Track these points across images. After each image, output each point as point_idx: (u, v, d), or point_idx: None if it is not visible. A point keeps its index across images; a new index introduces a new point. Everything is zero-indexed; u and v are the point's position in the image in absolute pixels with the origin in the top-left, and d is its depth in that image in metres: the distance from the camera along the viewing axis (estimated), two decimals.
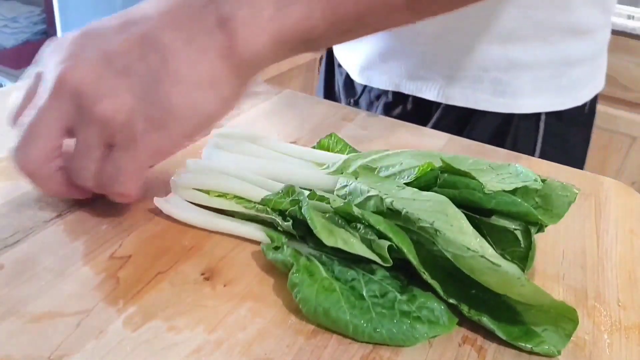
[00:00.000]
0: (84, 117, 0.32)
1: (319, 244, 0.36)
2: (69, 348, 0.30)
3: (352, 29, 0.34)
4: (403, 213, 0.34)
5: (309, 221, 0.35)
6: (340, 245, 0.34)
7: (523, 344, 0.33)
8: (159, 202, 0.41)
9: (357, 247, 0.35)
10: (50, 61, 0.33)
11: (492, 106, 0.65)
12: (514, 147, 0.63)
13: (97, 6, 1.72)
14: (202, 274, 0.37)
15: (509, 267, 0.31)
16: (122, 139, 0.32)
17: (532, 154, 0.66)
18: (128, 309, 0.33)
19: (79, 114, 0.32)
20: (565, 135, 0.68)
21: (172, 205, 0.41)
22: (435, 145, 0.57)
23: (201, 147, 0.46)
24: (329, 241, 0.34)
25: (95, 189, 0.37)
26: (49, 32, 2.43)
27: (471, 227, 0.33)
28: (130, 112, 0.31)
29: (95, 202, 0.42)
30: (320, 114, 0.61)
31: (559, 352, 0.33)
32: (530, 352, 0.33)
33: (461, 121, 0.67)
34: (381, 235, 0.35)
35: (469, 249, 0.32)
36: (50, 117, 0.33)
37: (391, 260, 0.34)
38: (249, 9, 0.30)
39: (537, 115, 0.66)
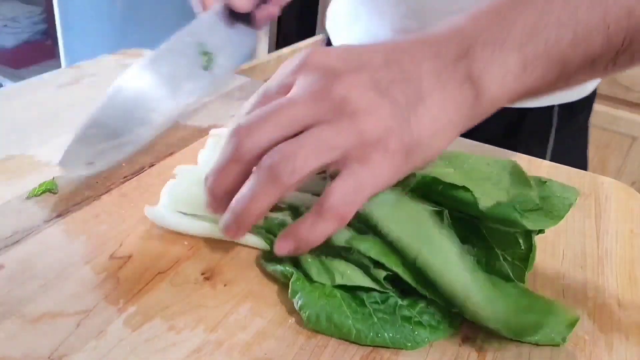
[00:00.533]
0: (342, 123, 0.32)
1: (317, 252, 0.36)
2: (69, 348, 0.30)
3: (576, 82, 0.38)
4: (385, 233, 0.35)
5: (304, 265, 0.36)
6: (339, 281, 0.35)
7: (529, 338, 0.33)
8: (149, 211, 0.40)
9: (355, 279, 0.35)
10: (312, 67, 0.34)
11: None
12: (528, 142, 0.62)
13: (97, 6, 1.72)
14: (202, 274, 0.37)
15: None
16: (371, 153, 0.32)
17: (545, 147, 0.66)
18: (128, 308, 0.33)
19: (335, 119, 0.32)
20: (574, 126, 0.68)
21: (162, 215, 0.39)
22: None
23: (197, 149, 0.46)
24: (329, 281, 0.35)
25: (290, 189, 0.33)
26: (49, 32, 2.43)
27: (456, 258, 0.34)
28: (387, 131, 0.32)
29: (95, 202, 0.42)
30: None
31: (565, 340, 0.34)
32: (537, 344, 0.34)
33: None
34: (374, 261, 0.35)
35: (455, 295, 0.33)
36: (300, 108, 0.33)
37: (389, 286, 0.35)
38: (499, 68, 0.34)
39: (551, 108, 0.66)
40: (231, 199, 0.34)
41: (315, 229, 0.33)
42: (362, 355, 0.32)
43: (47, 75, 0.64)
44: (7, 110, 0.55)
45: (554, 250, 0.43)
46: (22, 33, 2.35)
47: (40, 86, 0.61)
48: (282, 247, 0.33)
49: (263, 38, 2.07)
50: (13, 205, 0.41)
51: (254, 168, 0.33)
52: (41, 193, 0.43)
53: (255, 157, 0.33)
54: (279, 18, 1.91)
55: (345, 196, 0.32)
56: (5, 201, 0.42)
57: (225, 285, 0.36)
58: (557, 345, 0.34)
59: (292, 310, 0.34)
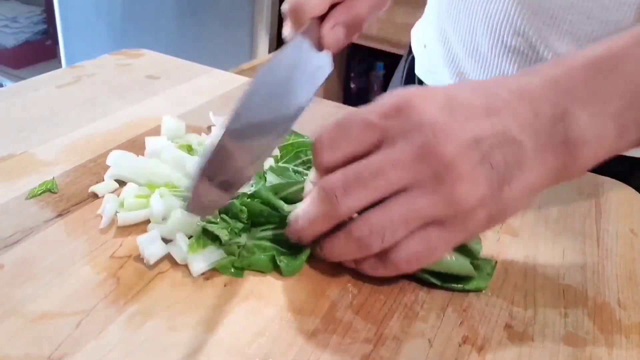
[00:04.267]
0: (439, 192, 0.32)
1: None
2: (69, 348, 0.30)
3: None
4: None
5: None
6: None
7: (455, 285, 0.37)
8: (140, 241, 0.37)
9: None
10: (412, 118, 0.32)
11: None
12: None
13: (97, 6, 1.72)
14: (203, 274, 0.37)
15: None
16: (455, 221, 0.32)
17: None
18: (128, 308, 0.33)
19: (432, 186, 0.32)
20: None
21: (153, 246, 0.37)
22: None
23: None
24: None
25: (364, 254, 0.34)
26: (49, 32, 2.43)
27: None
28: (480, 201, 0.32)
29: (95, 202, 0.42)
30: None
31: (485, 287, 0.38)
32: (462, 290, 0.37)
33: None
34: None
35: None
36: (400, 173, 0.32)
37: None
38: (596, 136, 0.32)
39: None
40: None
41: (374, 272, 0.35)
42: (362, 355, 0.32)
43: (47, 75, 0.64)
44: (7, 110, 0.55)
45: (554, 250, 0.43)
46: (22, 33, 2.35)
47: (40, 86, 0.61)
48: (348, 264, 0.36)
49: (263, 38, 2.07)
50: (13, 205, 0.41)
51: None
52: (41, 193, 0.43)
53: (349, 215, 0.34)
54: (279, 19, 1.91)
55: (410, 257, 0.33)
56: (5, 201, 0.42)
57: (225, 285, 0.36)
58: (481, 290, 0.38)
59: (292, 310, 0.34)
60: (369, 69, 2.21)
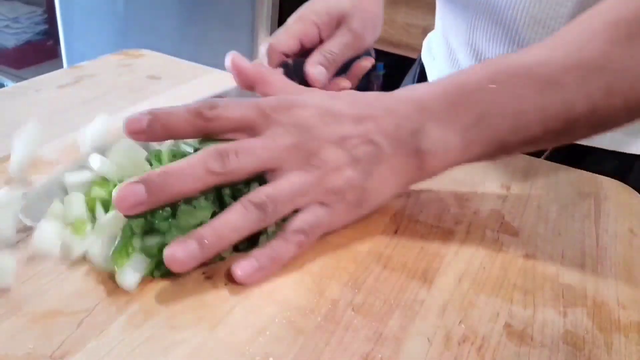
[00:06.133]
0: (310, 172, 0.38)
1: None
2: (71, 346, 0.31)
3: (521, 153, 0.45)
4: None
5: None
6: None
7: None
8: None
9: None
10: (288, 121, 0.39)
11: (618, 145, 0.62)
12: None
13: (98, 7, 1.72)
14: (203, 273, 0.37)
15: None
16: (331, 201, 0.39)
17: None
18: (129, 307, 0.34)
19: (306, 168, 0.38)
20: None
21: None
22: None
23: None
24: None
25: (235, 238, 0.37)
26: (50, 32, 2.44)
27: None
28: (348, 183, 0.39)
29: None
30: None
31: None
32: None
33: (574, 158, 0.61)
34: None
35: None
36: (271, 145, 0.38)
37: None
38: (443, 147, 0.40)
39: None
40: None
41: (281, 250, 0.37)
42: (362, 354, 0.32)
43: (48, 76, 0.64)
44: (8, 110, 0.55)
45: (554, 249, 0.43)
46: (23, 33, 2.35)
47: (41, 86, 0.61)
48: (245, 270, 0.36)
49: (264, 38, 2.07)
50: (13, 205, 0.41)
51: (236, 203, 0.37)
52: None
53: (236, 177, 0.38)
54: (279, 19, 1.91)
55: (304, 227, 0.38)
56: (5, 201, 0.42)
57: (226, 284, 0.36)
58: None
59: (292, 309, 0.35)
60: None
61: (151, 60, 0.72)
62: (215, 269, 0.37)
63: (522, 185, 0.51)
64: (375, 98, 0.42)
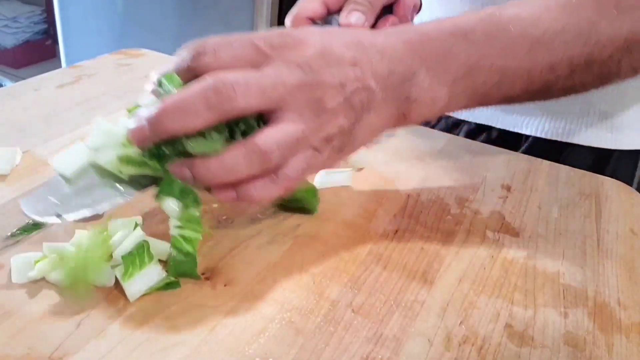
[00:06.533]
0: (309, 116, 0.37)
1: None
2: (70, 347, 0.30)
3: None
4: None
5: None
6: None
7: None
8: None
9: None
10: (290, 61, 0.38)
11: (595, 141, 0.63)
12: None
13: (97, 6, 1.72)
14: (203, 274, 0.37)
15: None
16: (321, 148, 0.38)
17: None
18: (128, 308, 0.33)
19: (305, 111, 0.37)
20: None
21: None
22: (434, 145, 0.57)
23: None
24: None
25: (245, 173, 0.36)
26: (49, 32, 2.43)
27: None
28: (339, 131, 0.39)
29: None
30: None
31: (316, 210, 0.44)
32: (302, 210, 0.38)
33: (552, 153, 0.63)
34: None
35: None
36: (277, 82, 0.37)
37: None
38: (431, 97, 0.40)
39: (637, 152, 0.64)
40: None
41: (262, 192, 0.37)
42: (362, 355, 0.32)
43: (47, 75, 0.64)
44: (7, 109, 0.55)
45: (554, 250, 0.43)
46: (22, 33, 2.35)
47: (40, 86, 0.61)
48: (225, 196, 0.36)
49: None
50: (13, 205, 0.41)
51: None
52: None
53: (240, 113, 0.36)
54: (280, 11, 1.91)
55: (298, 172, 0.38)
56: (5, 201, 0.42)
57: (225, 285, 0.36)
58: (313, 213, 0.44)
59: (292, 310, 0.35)
60: None
61: (150, 59, 0.72)
62: (214, 270, 0.37)
63: (522, 185, 0.51)
64: (368, 39, 0.41)
